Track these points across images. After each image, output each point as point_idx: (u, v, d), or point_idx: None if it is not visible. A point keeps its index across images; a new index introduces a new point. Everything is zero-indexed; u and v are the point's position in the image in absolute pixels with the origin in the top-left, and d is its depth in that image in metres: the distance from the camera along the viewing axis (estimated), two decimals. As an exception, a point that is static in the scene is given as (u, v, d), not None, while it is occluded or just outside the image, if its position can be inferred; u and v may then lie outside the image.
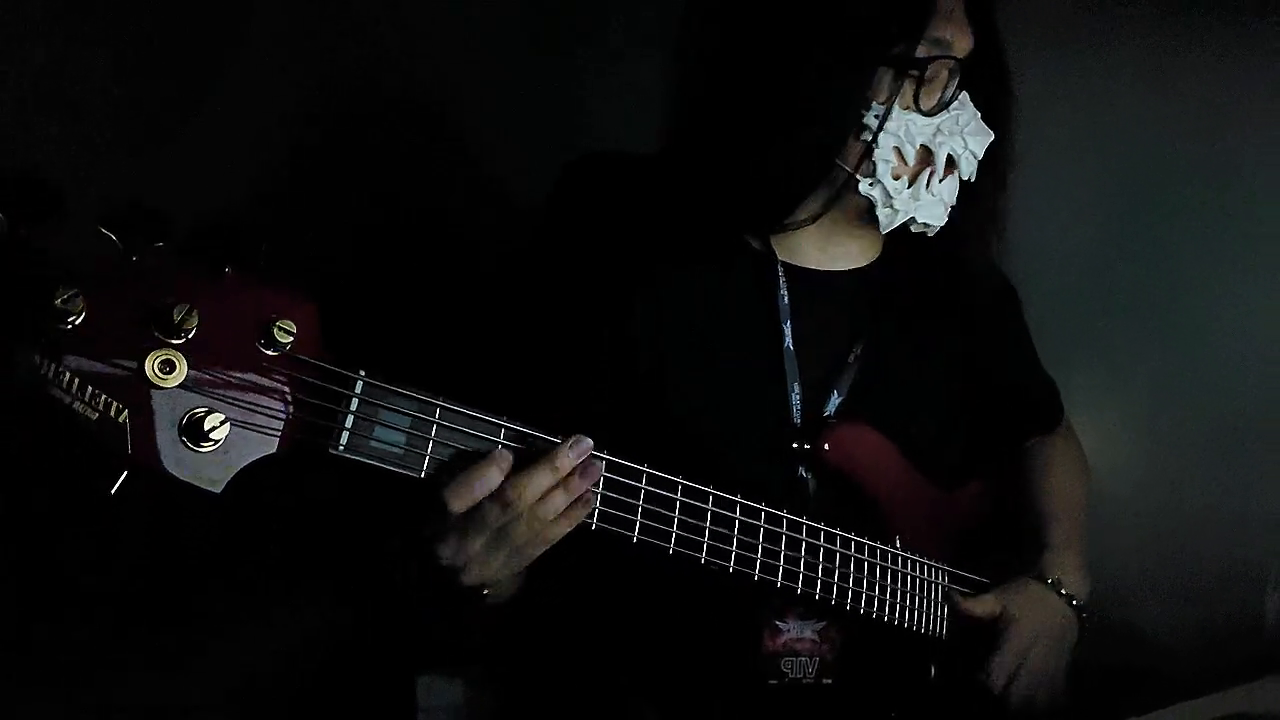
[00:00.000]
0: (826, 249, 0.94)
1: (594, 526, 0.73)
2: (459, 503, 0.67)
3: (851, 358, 0.93)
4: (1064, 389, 1.11)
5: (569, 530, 0.71)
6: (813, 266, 0.94)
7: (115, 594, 1.03)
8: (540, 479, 0.68)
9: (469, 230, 1.20)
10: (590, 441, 0.71)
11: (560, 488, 0.69)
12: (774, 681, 0.89)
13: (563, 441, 0.70)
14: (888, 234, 0.93)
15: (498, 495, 0.67)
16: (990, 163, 0.89)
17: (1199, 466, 1.21)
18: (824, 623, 0.89)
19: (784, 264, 0.92)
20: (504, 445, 0.69)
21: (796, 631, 0.89)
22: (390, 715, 1.08)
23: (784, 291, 0.91)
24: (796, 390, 0.90)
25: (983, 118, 0.88)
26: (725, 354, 0.90)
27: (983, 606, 0.94)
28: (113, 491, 0.56)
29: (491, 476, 0.67)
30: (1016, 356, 1.10)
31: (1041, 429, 1.11)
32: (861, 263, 0.97)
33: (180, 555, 1.03)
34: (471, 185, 1.21)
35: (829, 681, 0.90)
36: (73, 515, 0.88)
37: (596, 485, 0.72)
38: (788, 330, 0.90)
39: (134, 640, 1.05)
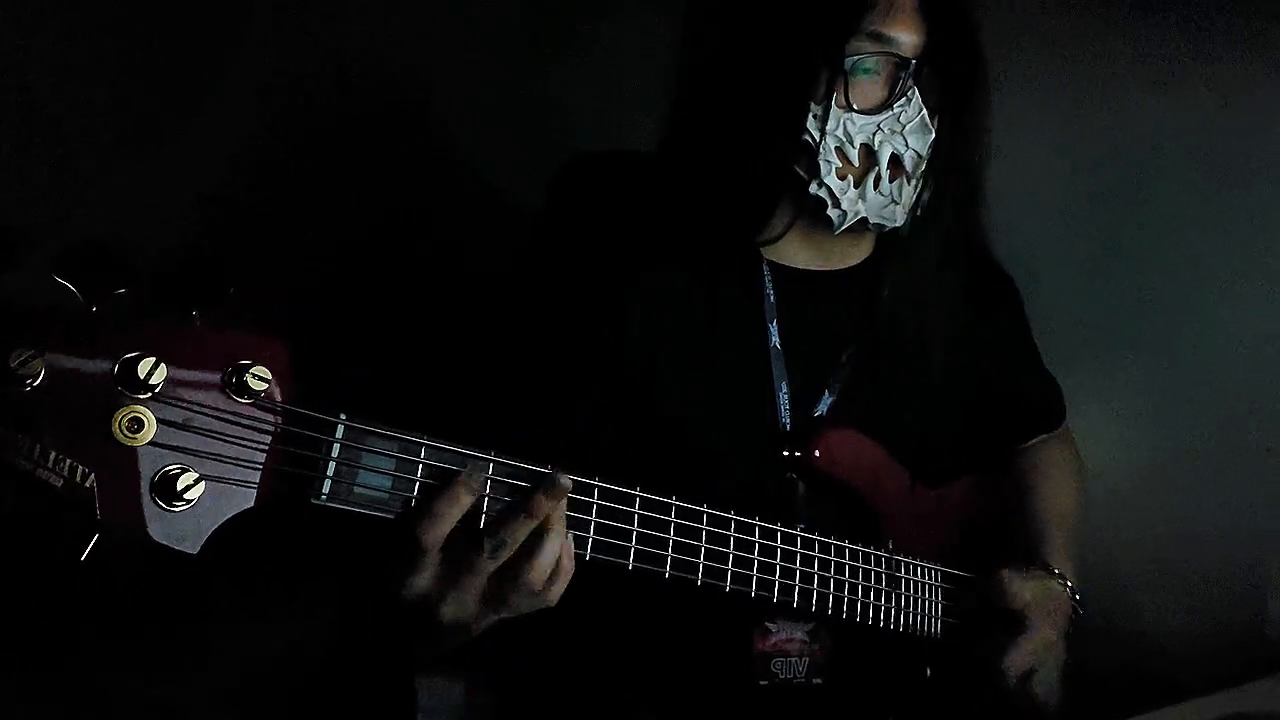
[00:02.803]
0: (816, 250, 0.92)
1: (588, 557, 0.71)
2: (430, 534, 0.62)
3: (844, 357, 0.92)
4: (1064, 391, 1.10)
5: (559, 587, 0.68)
6: (802, 267, 0.92)
7: (116, 593, 1.02)
8: (516, 520, 0.64)
9: (463, 232, 1.17)
10: (568, 480, 0.66)
11: (551, 531, 0.66)
12: (764, 682, 0.89)
13: (546, 474, 0.66)
14: (880, 235, 0.90)
15: (484, 532, 0.64)
16: (959, 160, 0.86)
17: (1199, 467, 1.21)
18: (814, 623, 0.89)
19: (773, 264, 0.91)
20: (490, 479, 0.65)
21: (787, 633, 0.89)
22: (390, 715, 1.09)
23: (770, 291, 0.90)
24: (785, 390, 0.89)
25: (957, 114, 0.85)
26: (715, 355, 0.89)
27: (1019, 594, 0.91)
28: (83, 558, 0.54)
29: (461, 498, 0.63)
30: (1019, 353, 1.08)
31: (1045, 427, 1.10)
32: (853, 262, 0.94)
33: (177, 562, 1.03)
34: (465, 187, 1.18)
35: (819, 682, 0.90)
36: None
37: (585, 530, 0.69)
38: (774, 330, 0.89)
39: (133, 639, 1.05)
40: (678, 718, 0.90)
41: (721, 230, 0.86)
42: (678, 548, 0.75)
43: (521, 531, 0.65)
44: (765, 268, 0.90)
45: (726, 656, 0.88)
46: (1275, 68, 1.15)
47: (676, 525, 0.75)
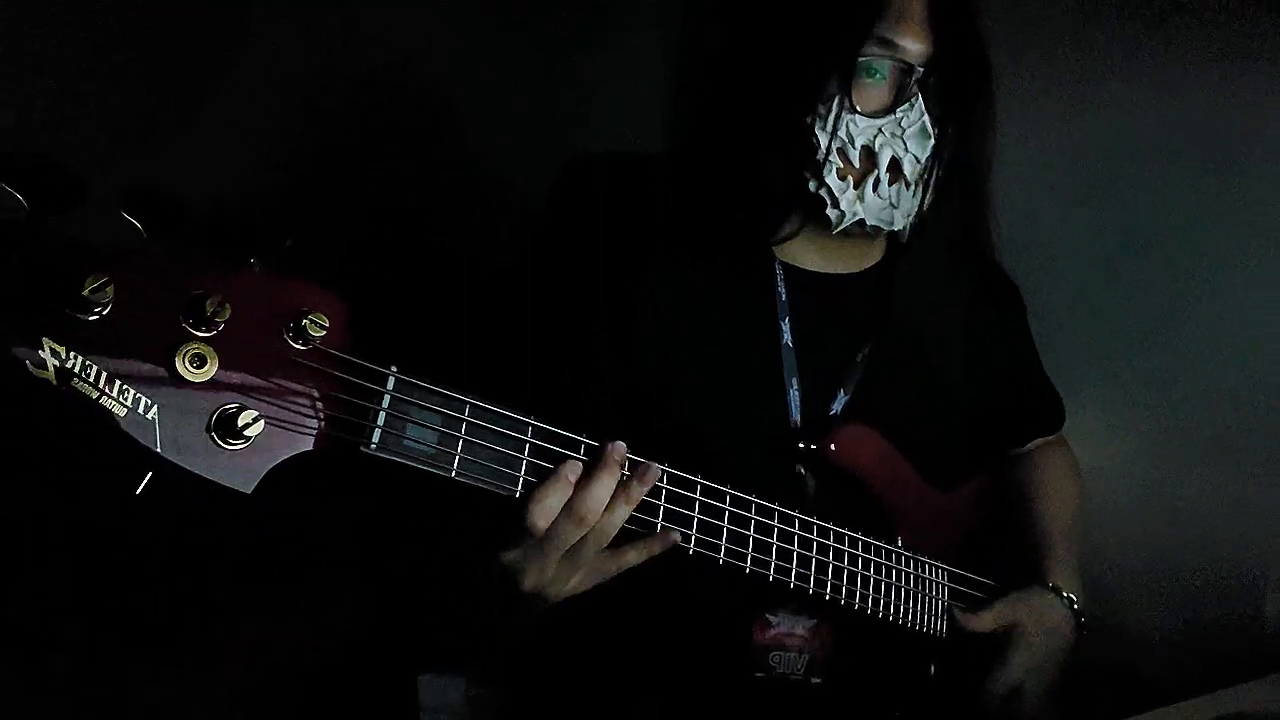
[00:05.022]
0: (826, 254, 0.94)
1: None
2: (544, 521, 0.68)
3: (859, 357, 0.94)
4: (1063, 391, 1.12)
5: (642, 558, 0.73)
6: (813, 270, 0.94)
7: (124, 589, 1.00)
8: (601, 485, 0.69)
9: (471, 228, 1.18)
10: (623, 444, 0.71)
11: (621, 499, 0.70)
12: (760, 675, 0.88)
13: (602, 443, 0.71)
14: (890, 238, 0.93)
15: (569, 510, 0.68)
16: (965, 166, 0.89)
17: (1198, 467, 1.23)
18: (815, 620, 0.89)
19: (785, 265, 0.93)
20: (571, 458, 0.69)
21: (787, 626, 0.89)
22: (393, 715, 1.07)
23: (782, 289, 0.92)
24: (795, 387, 0.90)
25: (961, 124, 0.88)
26: (725, 352, 0.90)
27: (989, 621, 0.93)
28: (138, 492, 0.53)
29: (563, 488, 0.68)
30: (1021, 357, 1.11)
31: (1044, 430, 1.12)
32: (864, 266, 0.97)
33: (192, 551, 1.01)
34: (472, 183, 1.19)
35: (818, 681, 0.90)
36: (86, 514, 0.85)
37: (657, 496, 0.73)
38: (785, 327, 0.91)
39: (142, 636, 1.02)
40: (679, 711, 0.89)
41: (736, 231, 0.88)
42: (667, 514, 0.75)
43: (603, 492, 0.69)
44: (778, 268, 0.92)
45: (724, 645, 0.88)
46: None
47: (668, 492, 0.75)
